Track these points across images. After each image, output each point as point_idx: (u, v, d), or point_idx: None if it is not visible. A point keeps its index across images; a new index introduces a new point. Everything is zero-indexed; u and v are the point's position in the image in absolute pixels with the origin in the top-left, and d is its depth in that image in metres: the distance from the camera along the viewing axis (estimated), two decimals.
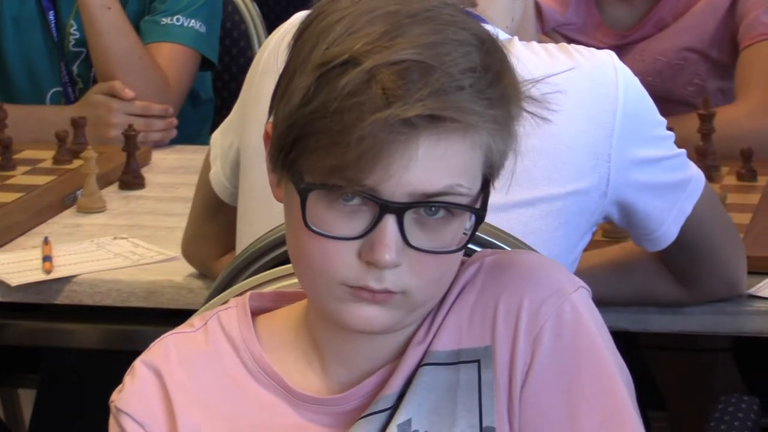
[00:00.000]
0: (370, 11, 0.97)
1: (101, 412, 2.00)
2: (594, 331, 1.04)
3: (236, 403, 1.07)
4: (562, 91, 1.08)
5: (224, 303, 1.17)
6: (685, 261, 1.45)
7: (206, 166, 1.53)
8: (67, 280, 1.61)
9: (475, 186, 0.97)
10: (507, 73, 0.99)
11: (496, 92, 0.96)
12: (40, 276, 1.60)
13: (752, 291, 1.50)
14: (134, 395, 1.07)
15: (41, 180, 1.91)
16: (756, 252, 1.51)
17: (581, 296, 1.05)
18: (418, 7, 0.97)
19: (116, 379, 1.83)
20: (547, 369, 1.01)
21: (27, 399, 2.26)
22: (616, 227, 1.49)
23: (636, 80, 1.40)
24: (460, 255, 1.01)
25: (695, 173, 1.44)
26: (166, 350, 1.09)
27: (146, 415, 1.06)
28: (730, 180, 1.76)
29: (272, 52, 1.49)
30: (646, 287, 1.45)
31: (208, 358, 1.08)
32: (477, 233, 1.06)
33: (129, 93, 2.10)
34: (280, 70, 1.04)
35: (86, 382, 1.99)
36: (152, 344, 1.11)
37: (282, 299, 1.12)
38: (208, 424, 1.05)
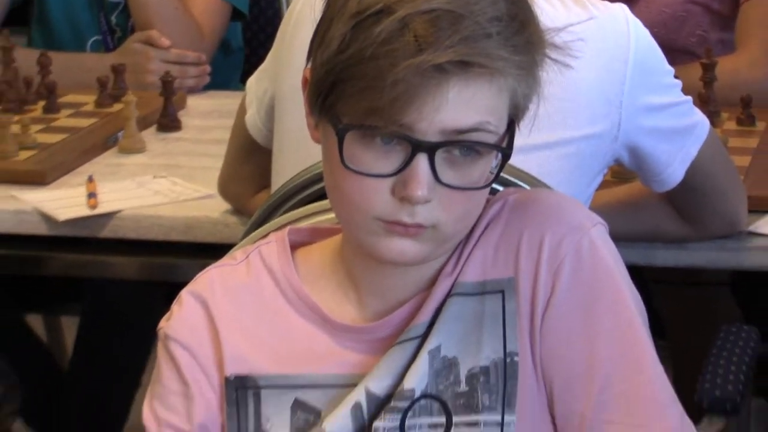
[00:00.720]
0: None
1: (140, 338, 2.04)
2: (611, 264, 1.03)
3: (276, 331, 1.06)
4: (582, 39, 1.07)
5: (264, 237, 1.17)
6: (689, 200, 1.44)
7: (241, 111, 1.52)
8: (110, 215, 1.61)
9: (502, 126, 0.96)
10: (531, 22, 0.98)
11: (521, 40, 0.95)
12: (85, 211, 1.60)
13: (752, 228, 1.49)
14: (181, 323, 1.07)
15: (84, 122, 1.90)
16: (755, 192, 1.52)
17: (599, 232, 1.04)
18: None
19: (156, 308, 1.86)
20: (567, 300, 1.00)
21: (70, 326, 2.27)
22: (625, 169, 1.48)
23: (646, 32, 1.40)
24: (486, 192, 1.01)
25: (701, 119, 1.43)
26: (211, 282, 1.09)
27: (192, 341, 1.06)
28: (731, 125, 1.75)
29: (306, 2, 1.45)
30: (652, 224, 1.45)
31: (249, 289, 1.07)
32: (501, 174, 1.05)
33: (165, 42, 2.10)
34: (316, 20, 1.02)
35: (127, 311, 2.01)
36: (197, 276, 1.11)
37: (318, 234, 1.11)
38: (250, 351, 1.04)
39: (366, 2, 0.95)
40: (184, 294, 1.09)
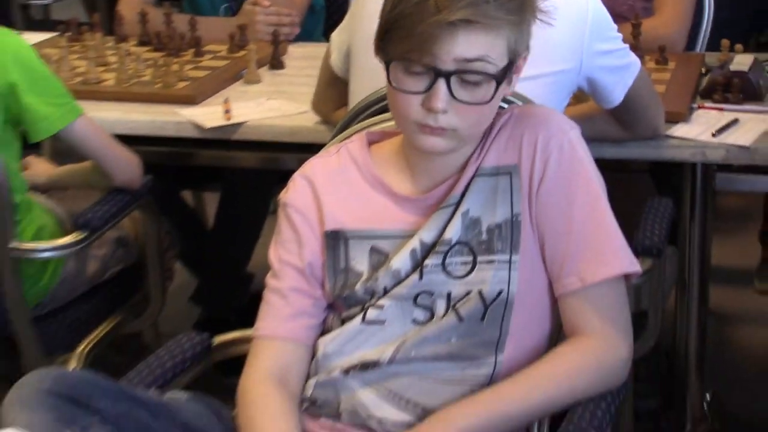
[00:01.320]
0: None
1: (259, 207, 2.03)
2: (583, 156, 1.02)
3: (359, 200, 1.05)
4: (555, 6, 1.02)
5: (348, 138, 1.15)
6: (627, 114, 1.41)
7: (327, 55, 1.48)
8: (239, 124, 1.59)
9: (501, 62, 0.94)
10: None
11: (514, 5, 0.93)
12: (222, 121, 1.59)
13: (667, 132, 1.46)
14: (295, 194, 1.06)
15: (220, 63, 1.90)
16: (669, 108, 1.46)
17: (575, 134, 1.02)
18: None
19: (271, 188, 1.86)
20: (553, 180, 0.99)
21: (211, 200, 2.25)
22: (584, 93, 1.43)
23: (599, 0, 1.34)
24: (493, 107, 0.98)
25: (634, 60, 1.39)
26: (313, 167, 1.09)
27: (303, 206, 1.05)
28: (651, 65, 1.70)
29: None
30: (601, 130, 1.41)
31: (340, 172, 1.06)
32: (506, 96, 1.05)
33: (266, 2, 2.01)
34: None
35: (250, 190, 1.99)
36: (305, 164, 1.10)
37: (386, 135, 1.10)
38: (341, 213, 1.04)
39: None
40: (296, 176, 1.08)
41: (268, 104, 1.66)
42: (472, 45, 0.91)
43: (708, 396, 1.65)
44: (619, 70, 1.36)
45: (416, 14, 0.91)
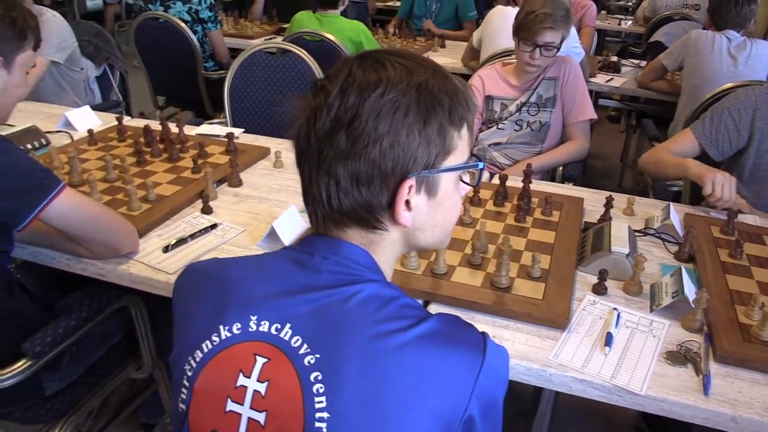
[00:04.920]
0: None
1: None
2: (579, 73, 2.67)
3: (497, 85, 2.73)
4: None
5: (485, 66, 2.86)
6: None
7: (470, 39, 3.32)
8: None
9: (558, 44, 2.55)
10: (567, 9, 2.55)
11: (562, 16, 2.52)
12: None
13: None
14: (474, 81, 2.73)
15: None
16: None
17: (577, 65, 2.69)
18: None
19: None
20: (570, 81, 2.64)
21: None
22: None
23: None
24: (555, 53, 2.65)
25: None
26: (479, 73, 2.78)
27: (478, 86, 2.69)
28: None
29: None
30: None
31: (490, 74, 2.74)
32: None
33: None
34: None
35: None
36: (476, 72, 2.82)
37: (505, 65, 2.82)
38: (492, 90, 2.71)
39: (525, 7, 2.55)
40: (473, 76, 2.79)
41: None
42: (548, 37, 2.50)
43: None
44: None
45: (530, 21, 2.41)
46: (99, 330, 1.73)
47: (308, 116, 0.84)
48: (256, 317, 0.84)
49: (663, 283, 1.52)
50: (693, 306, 1.41)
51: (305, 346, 0.80)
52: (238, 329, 0.84)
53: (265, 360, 0.81)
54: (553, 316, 1.38)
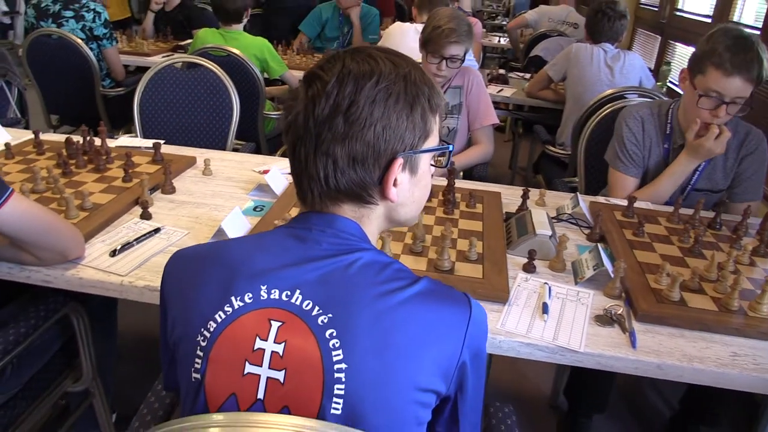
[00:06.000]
0: None
1: None
2: (482, 83, 2.89)
3: None
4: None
5: None
6: None
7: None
8: None
9: (462, 57, 2.80)
10: (469, 24, 2.82)
11: (466, 30, 2.78)
12: None
13: None
14: None
15: None
16: None
17: (478, 73, 2.90)
18: None
19: None
20: (473, 89, 2.85)
21: None
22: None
23: None
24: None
25: None
26: None
27: None
28: None
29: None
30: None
31: None
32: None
33: None
34: None
35: None
36: None
37: None
38: None
39: (431, 23, 2.76)
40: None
41: None
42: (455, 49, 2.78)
43: None
44: None
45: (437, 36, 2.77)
46: (38, 340, 1.72)
47: (306, 104, 0.93)
48: (265, 287, 0.91)
49: (583, 259, 1.70)
50: (612, 276, 1.60)
51: (317, 308, 0.88)
52: (249, 298, 0.91)
53: (279, 323, 0.88)
54: (496, 292, 1.52)
